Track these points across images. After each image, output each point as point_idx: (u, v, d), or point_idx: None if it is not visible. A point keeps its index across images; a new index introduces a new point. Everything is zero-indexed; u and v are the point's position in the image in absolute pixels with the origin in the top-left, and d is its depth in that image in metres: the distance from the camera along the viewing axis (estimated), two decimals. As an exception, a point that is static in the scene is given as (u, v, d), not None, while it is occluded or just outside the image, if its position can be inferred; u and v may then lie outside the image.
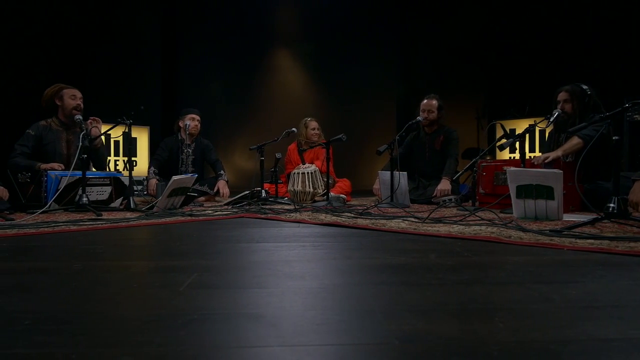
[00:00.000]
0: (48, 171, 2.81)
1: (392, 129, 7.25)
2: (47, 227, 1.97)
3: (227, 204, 3.23)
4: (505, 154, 5.33)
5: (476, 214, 2.24)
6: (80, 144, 2.76)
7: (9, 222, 2.14)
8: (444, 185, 3.39)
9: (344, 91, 7.40)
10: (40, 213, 2.47)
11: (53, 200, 2.70)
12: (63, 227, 1.97)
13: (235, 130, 7.31)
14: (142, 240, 1.74)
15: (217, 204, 3.42)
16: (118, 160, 5.34)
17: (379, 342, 0.64)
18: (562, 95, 2.89)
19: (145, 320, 0.74)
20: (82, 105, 3.22)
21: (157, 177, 3.73)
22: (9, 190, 2.76)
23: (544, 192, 2.21)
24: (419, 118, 3.56)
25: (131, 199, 2.89)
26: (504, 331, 0.69)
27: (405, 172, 3.18)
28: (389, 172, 3.17)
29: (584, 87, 2.85)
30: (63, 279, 1.04)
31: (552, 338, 0.67)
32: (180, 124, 3.94)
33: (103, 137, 3.42)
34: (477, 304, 0.84)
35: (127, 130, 3.13)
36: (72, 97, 3.19)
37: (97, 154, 3.33)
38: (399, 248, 1.48)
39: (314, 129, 4.16)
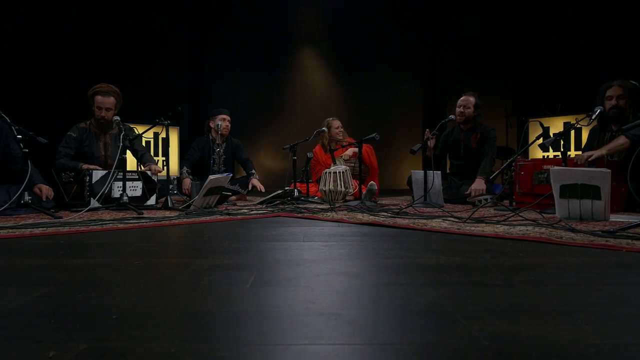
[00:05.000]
0: (91, 170, 2.91)
1: (418, 127, 7.19)
2: (95, 225, 2.03)
3: (260, 203, 3.27)
4: (539, 153, 5.22)
5: (519, 214, 2.20)
6: (121, 144, 2.84)
7: (58, 219, 2.21)
8: (479, 184, 3.34)
9: (369, 90, 7.38)
10: (86, 211, 2.55)
11: (92, 198, 2.79)
12: (111, 225, 2.03)
13: (260, 130, 7.38)
14: (189, 238, 1.77)
15: (250, 203, 3.46)
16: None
17: (469, 343, 0.64)
18: (615, 90, 2.81)
19: (226, 317, 0.76)
20: (108, 115, 3.26)
21: (191, 177, 3.81)
22: (53, 189, 2.86)
23: (590, 191, 2.15)
24: (451, 117, 3.51)
25: (169, 198, 2.95)
26: (593, 333, 0.68)
27: (439, 172, 3.15)
28: (422, 171, 3.14)
29: (634, 82, 2.77)
30: (131, 275, 1.07)
31: (645, 341, 0.65)
32: (211, 124, 4.00)
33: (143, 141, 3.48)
34: (554, 305, 0.82)
35: (160, 132, 3.19)
36: (98, 108, 3.26)
37: (143, 159, 3.44)
38: (449, 248, 1.47)
39: (337, 127, 4.15)
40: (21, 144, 2.49)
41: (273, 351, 0.62)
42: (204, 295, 0.91)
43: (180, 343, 0.64)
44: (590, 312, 0.78)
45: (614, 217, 2.20)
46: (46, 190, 2.76)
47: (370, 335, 0.68)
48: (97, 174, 2.92)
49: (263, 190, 3.78)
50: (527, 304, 0.84)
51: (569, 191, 2.20)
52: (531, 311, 0.79)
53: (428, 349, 0.62)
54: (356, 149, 3.64)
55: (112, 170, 2.85)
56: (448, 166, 4.00)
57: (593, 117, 2.69)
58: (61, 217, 2.29)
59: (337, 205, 3.04)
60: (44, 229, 1.89)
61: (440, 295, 0.90)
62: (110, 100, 3.28)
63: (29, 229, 1.86)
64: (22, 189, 2.41)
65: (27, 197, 2.46)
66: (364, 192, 3.36)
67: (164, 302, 0.86)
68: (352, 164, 3.93)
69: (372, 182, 3.41)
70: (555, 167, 2.29)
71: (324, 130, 3.99)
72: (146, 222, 2.16)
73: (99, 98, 3.26)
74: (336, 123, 4.17)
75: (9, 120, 2.49)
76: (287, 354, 0.61)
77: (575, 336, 0.66)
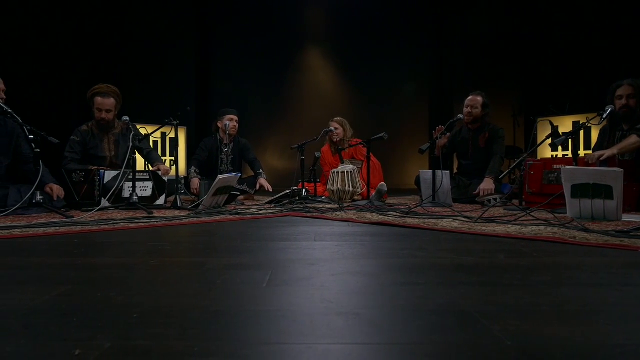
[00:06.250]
0: (100, 170, 2.92)
1: (425, 127, 7.17)
2: (107, 224, 2.04)
3: (269, 203, 3.27)
4: (547, 153, 5.18)
5: (530, 214, 2.18)
6: (130, 144, 2.85)
7: (70, 219, 2.23)
8: (487, 184, 3.32)
9: (375, 90, 7.36)
10: (96, 211, 2.57)
11: (103, 198, 2.81)
12: (122, 224, 2.04)
13: (266, 130, 7.38)
14: (201, 237, 1.78)
15: (258, 203, 3.47)
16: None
17: (492, 343, 0.64)
18: (625, 90, 2.79)
19: (246, 316, 0.76)
20: (108, 116, 3.24)
21: (199, 177, 3.82)
22: (64, 189, 2.88)
23: (602, 191, 2.14)
24: (460, 116, 3.49)
25: (178, 198, 2.96)
26: (617, 334, 0.67)
27: (448, 171, 3.14)
28: (431, 171, 3.13)
29: None
30: (148, 275, 1.07)
31: (670, 342, 0.64)
32: (219, 124, 4.01)
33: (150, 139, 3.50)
34: (574, 306, 0.82)
35: (168, 132, 3.21)
36: (98, 110, 3.24)
37: (149, 157, 3.46)
38: (462, 248, 1.47)
39: (332, 130, 4.04)
40: (33, 144, 2.51)
41: (296, 350, 0.62)
42: (221, 294, 0.91)
43: (203, 342, 0.65)
44: (612, 313, 0.78)
45: (627, 217, 2.18)
46: (57, 190, 2.78)
47: (392, 335, 0.68)
48: (109, 174, 2.94)
49: (271, 190, 3.79)
50: (547, 304, 0.83)
51: (580, 191, 2.19)
52: (551, 311, 0.78)
53: (452, 349, 0.62)
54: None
55: (123, 171, 2.87)
56: (456, 166, 3.99)
57: (604, 116, 2.67)
58: (72, 217, 2.31)
59: (345, 205, 3.04)
60: (57, 228, 1.90)
61: (458, 295, 0.89)
62: (110, 102, 3.25)
63: (42, 228, 1.87)
64: (34, 188, 2.43)
65: (38, 197, 2.47)
66: (372, 193, 3.35)
67: (183, 301, 0.86)
68: (359, 165, 3.92)
69: (382, 182, 3.41)
70: (567, 167, 2.28)
71: (331, 130, 3.98)
72: (157, 222, 2.17)
73: (98, 99, 3.24)
74: (333, 125, 4.06)
75: (20, 121, 2.51)
76: (310, 352, 0.61)
77: (599, 337, 0.66)
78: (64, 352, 0.61)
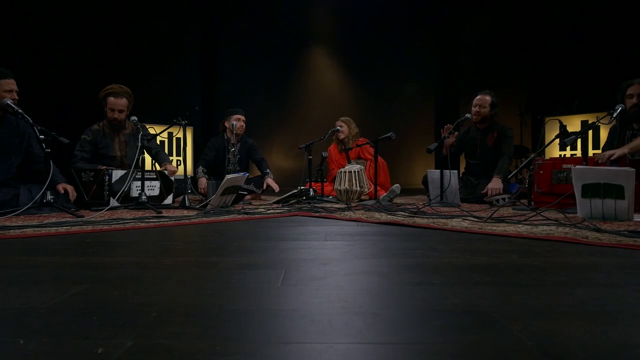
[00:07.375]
0: (109, 170, 2.94)
1: (431, 126, 7.15)
2: (117, 224, 2.06)
3: (276, 202, 3.28)
4: (555, 152, 5.15)
5: (541, 213, 2.17)
6: (139, 144, 2.87)
7: (80, 218, 2.25)
8: (496, 184, 3.31)
9: (382, 89, 7.36)
10: (106, 210, 2.58)
11: (112, 197, 2.83)
12: (132, 224, 2.06)
13: (272, 129, 7.40)
14: (211, 237, 1.78)
15: (265, 202, 3.48)
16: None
17: (513, 343, 0.64)
18: (636, 88, 2.77)
19: (264, 315, 0.76)
20: (121, 116, 3.28)
21: (206, 176, 3.84)
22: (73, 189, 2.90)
23: (613, 191, 2.12)
24: (467, 115, 3.48)
25: (186, 197, 2.98)
26: (638, 335, 0.67)
27: (456, 171, 3.13)
28: (439, 170, 3.12)
29: None
30: (162, 274, 1.08)
31: (693, 343, 0.64)
32: (226, 124, 4.02)
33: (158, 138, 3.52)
34: (592, 306, 0.81)
35: (176, 132, 3.22)
36: (111, 110, 3.27)
37: (157, 156, 3.48)
38: (474, 248, 1.46)
39: (337, 129, 4.07)
40: (43, 144, 2.53)
41: (317, 350, 0.62)
42: (238, 293, 0.91)
43: (223, 341, 0.65)
44: (631, 314, 0.77)
45: (638, 217, 2.16)
46: (72, 191, 2.81)
47: (411, 334, 0.68)
48: (117, 173, 2.96)
49: (277, 190, 3.79)
50: (564, 304, 0.83)
51: (591, 190, 2.17)
52: (570, 312, 0.78)
53: (473, 348, 0.62)
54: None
55: (132, 170, 2.89)
56: (464, 165, 3.98)
57: (614, 115, 2.65)
58: (83, 216, 2.32)
59: (353, 204, 3.04)
60: (69, 227, 1.92)
61: (474, 295, 0.89)
62: (122, 102, 3.29)
63: (54, 228, 1.89)
64: (44, 188, 2.45)
65: (49, 197, 2.49)
66: (380, 193, 3.35)
67: (199, 300, 0.86)
68: (364, 164, 3.92)
69: (397, 185, 3.45)
70: (578, 166, 2.26)
71: (338, 129, 3.98)
72: (167, 221, 2.18)
73: (111, 100, 3.27)
74: (338, 124, 4.07)
75: (31, 121, 2.53)
76: (331, 352, 0.61)
77: (620, 337, 0.66)
78: (86, 351, 0.61)
